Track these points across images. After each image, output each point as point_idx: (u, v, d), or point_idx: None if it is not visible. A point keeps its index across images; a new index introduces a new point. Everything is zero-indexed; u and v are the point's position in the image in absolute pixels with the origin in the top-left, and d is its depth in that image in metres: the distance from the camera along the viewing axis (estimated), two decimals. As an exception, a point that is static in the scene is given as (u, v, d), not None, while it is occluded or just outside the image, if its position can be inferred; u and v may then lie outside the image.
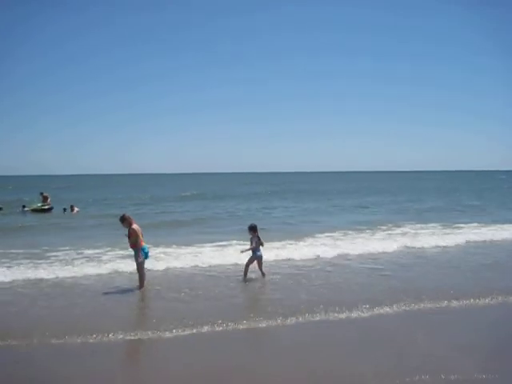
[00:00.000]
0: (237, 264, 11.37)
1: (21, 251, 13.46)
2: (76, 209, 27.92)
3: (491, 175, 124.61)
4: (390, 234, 17.07)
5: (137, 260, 9.48)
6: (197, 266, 11.58)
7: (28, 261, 12.01)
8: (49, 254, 13.04)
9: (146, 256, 9.59)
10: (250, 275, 10.22)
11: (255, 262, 10.24)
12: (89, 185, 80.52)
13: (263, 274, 10.23)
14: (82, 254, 13.18)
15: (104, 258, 12.55)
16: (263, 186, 67.82)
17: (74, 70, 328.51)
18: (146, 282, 9.59)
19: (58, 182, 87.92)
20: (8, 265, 11.54)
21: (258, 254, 10.15)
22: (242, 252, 10.33)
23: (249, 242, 10.34)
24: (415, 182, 78.89)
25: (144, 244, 9.58)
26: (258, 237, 10.16)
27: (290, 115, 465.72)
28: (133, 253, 9.63)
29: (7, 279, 10.13)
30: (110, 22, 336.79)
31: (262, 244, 10.23)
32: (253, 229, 10.22)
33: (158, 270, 11.06)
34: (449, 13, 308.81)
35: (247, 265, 10.16)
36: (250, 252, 10.17)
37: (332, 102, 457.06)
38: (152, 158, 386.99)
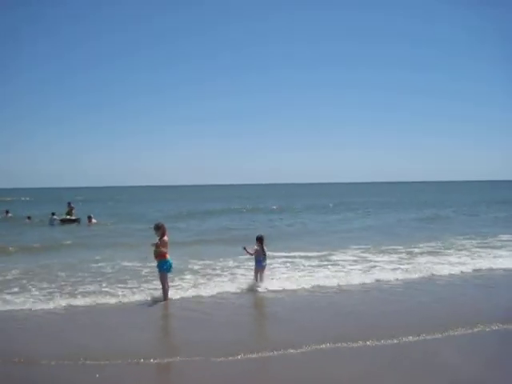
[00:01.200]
0: (293, 290, 10.65)
1: (59, 267, 13.35)
2: (94, 220, 28.10)
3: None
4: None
5: (160, 272, 9.58)
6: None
7: (58, 285, 11.30)
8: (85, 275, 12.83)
9: (170, 269, 9.66)
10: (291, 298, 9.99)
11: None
12: (108, 197, 79.05)
13: (262, 281, 10.75)
14: (120, 268, 13.00)
15: (144, 271, 12.44)
16: (298, 199, 65.63)
17: (81, 79, 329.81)
18: (168, 297, 9.64)
19: (71, 194, 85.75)
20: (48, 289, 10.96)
21: (261, 264, 10.77)
22: (244, 249, 10.82)
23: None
24: (436, 194, 76.68)
25: (168, 257, 9.59)
26: (263, 248, 10.70)
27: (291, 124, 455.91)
28: (155, 263, 9.76)
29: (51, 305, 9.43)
30: (140, 21, 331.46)
31: (264, 254, 10.75)
32: (259, 239, 10.85)
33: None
34: (445, 17, 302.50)
35: (255, 275, 10.84)
36: (254, 261, 10.87)
37: (330, 111, 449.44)
38: (159, 170, 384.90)
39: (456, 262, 13.62)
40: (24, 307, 9.16)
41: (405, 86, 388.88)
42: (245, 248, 10.75)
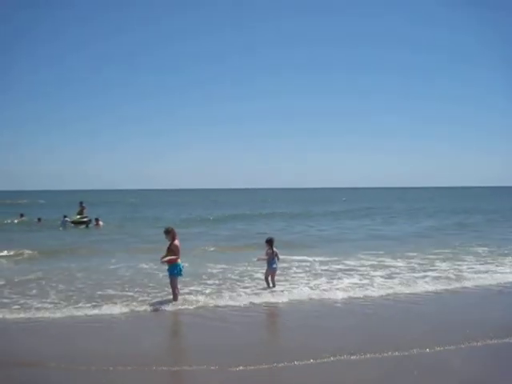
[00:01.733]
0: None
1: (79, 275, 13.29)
2: (101, 223, 28.28)
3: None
4: None
5: (170, 276, 9.61)
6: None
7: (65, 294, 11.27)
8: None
9: (180, 273, 9.69)
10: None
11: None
12: (117, 200, 78.79)
13: (274, 285, 10.80)
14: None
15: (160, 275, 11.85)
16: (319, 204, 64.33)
17: (87, 80, 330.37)
18: (180, 299, 9.69)
19: (80, 197, 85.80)
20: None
21: (273, 266, 10.76)
22: (258, 260, 11.33)
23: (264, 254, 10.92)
24: (444, 200, 75.46)
25: (179, 261, 9.61)
26: (273, 250, 10.71)
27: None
28: (166, 267, 9.76)
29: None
30: (142, 24, 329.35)
31: (277, 257, 10.83)
32: (268, 242, 10.83)
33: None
34: (445, 22, 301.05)
35: (266, 278, 10.86)
36: (266, 264, 10.82)
37: (331, 115, 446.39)
38: (163, 173, 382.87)
39: (482, 270, 13.28)
40: (40, 312, 9.08)
41: (405, 90, 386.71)
42: (258, 259, 11.17)
